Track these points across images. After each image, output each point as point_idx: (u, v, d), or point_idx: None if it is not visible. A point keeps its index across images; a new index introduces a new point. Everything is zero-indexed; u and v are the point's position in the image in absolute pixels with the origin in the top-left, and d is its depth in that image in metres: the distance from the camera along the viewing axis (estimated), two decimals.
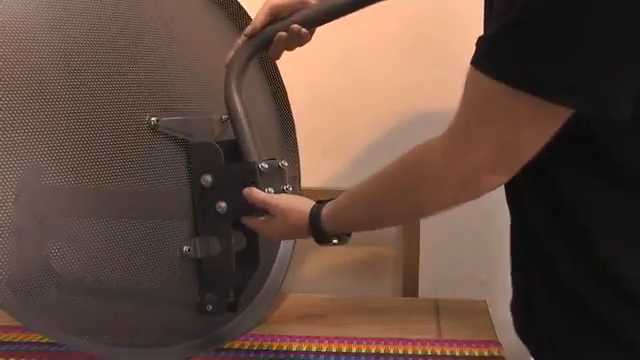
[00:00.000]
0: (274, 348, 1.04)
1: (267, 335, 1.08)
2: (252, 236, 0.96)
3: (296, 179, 1.20)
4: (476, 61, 0.63)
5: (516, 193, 0.77)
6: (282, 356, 1.02)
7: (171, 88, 0.96)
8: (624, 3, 0.55)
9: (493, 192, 0.70)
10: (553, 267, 0.73)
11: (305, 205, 0.87)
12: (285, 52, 0.95)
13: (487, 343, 1.04)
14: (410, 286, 1.36)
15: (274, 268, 1.17)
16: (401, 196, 0.75)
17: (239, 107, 0.94)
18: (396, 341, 1.05)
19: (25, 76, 0.78)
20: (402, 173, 0.75)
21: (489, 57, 0.62)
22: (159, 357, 0.96)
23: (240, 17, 1.11)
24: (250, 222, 0.92)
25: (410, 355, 1.01)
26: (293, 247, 1.19)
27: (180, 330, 0.99)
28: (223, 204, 0.93)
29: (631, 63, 0.58)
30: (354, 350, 1.03)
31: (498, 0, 0.63)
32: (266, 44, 0.94)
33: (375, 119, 1.38)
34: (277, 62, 1.06)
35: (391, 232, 1.38)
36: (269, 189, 0.91)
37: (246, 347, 1.04)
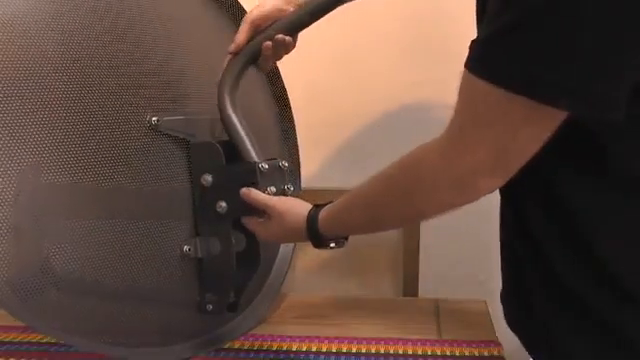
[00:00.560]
0: (274, 348, 1.04)
1: (267, 335, 1.08)
2: (252, 236, 0.96)
3: (296, 179, 1.20)
4: (470, 65, 0.63)
5: (513, 193, 0.76)
6: (282, 356, 1.02)
7: (172, 88, 0.96)
8: (622, 4, 0.55)
9: (494, 192, 0.70)
10: (552, 267, 0.73)
11: (302, 208, 0.87)
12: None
13: (487, 343, 1.04)
14: (410, 286, 1.36)
15: (274, 268, 1.17)
16: (399, 198, 0.75)
17: (237, 124, 0.94)
18: (396, 341, 1.05)
19: (26, 76, 0.78)
20: (400, 175, 0.75)
21: (483, 60, 0.62)
22: (159, 357, 0.96)
23: (241, 17, 1.10)
24: (248, 223, 0.92)
25: (410, 355, 1.01)
26: (293, 247, 1.19)
27: (180, 330, 0.99)
28: (223, 204, 0.93)
29: (630, 63, 0.58)
30: (354, 350, 1.03)
31: (491, 2, 0.62)
32: (254, 57, 0.95)
33: (375, 119, 1.38)
34: (277, 62, 1.06)
35: (391, 232, 1.38)
36: (271, 188, 0.91)
37: (246, 347, 1.04)
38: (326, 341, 1.06)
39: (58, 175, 0.80)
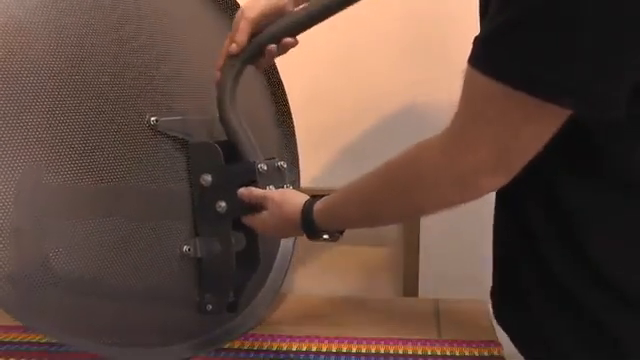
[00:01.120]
0: (274, 348, 1.04)
1: (267, 335, 1.08)
2: (252, 236, 0.96)
3: (295, 179, 1.20)
4: (473, 61, 0.63)
5: (511, 193, 0.76)
6: (282, 356, 1.02)
7: (170, 87, 0.96)
8: (622, 4, 0.55)
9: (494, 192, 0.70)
10: (549, 267, 0.73)
11: (300, 198, 0.87)
12: None
13: (487, 343, 1.03)
14: (410, 286, 1.36)
15: (274, 268, 1.17)
16: (397, 194, 0.74)
17: (237, 124, 0.94)
18: (396, 341, 1.05)
19: (23, 77, 0.78)
20: (399, 171, 0.74)
21: (486, 57, 0.61)
22: (159, 357, 0.96)
23: None
24: (247, 219, 0.92)
25: (410, 355, 1.01)
26: (293, 246, 1.19)
27: (180, 330, 0.99)
28: (223, 204, 0.93)
29: (630, 63, 0.58)
30: (354, 350, 1.03)
31: None
32: (254, 57, 0.94)
33: (374, 119, 1.38)
34: (276, 61, 1.06)
35: (391, 232, 1.38)
36: (270, 187, 0.91)
37: (246, 347, 1.04)
38: (326, 341, 1.06)
39: (57, 175, 0.80)
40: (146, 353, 0.94)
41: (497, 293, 0.86)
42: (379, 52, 1.34)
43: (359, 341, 1.05)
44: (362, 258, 1.42)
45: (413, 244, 1.36)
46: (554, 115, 0.61)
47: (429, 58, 1.32)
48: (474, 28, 0.70)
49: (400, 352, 1.02)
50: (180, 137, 0.96)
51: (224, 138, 0.97)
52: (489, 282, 0.88)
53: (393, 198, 0.75)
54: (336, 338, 1.06)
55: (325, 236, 0.86)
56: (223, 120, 0.95)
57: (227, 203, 0.93)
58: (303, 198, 0.86)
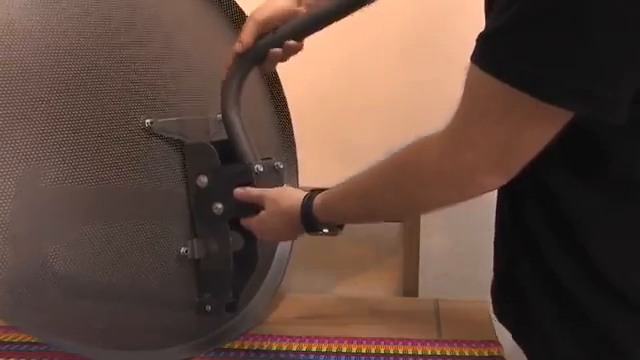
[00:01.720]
0: (274, 348, 1.04)
1: (267, 335, 1.08)
2: (250, 235, 0.96)
3: (294, 180, 1.19)
4: (476, 58, 0.62)
5: (512, 192, 0.76)
6: (282, 356, 1.02)
7: (165, 89, 0.96)
8: (626, 6, 0.55)
9: (494, 192, 0.70)
10: (549, 268, 0.73)
11: (298, 194, 0.86)
12: None
13: (487, 343, 1.03)
14: (410, 286, 1.36)
15: (273, 268, 1.17)
16: (395, 191, 0.74)
17: (239, 126, 0.94)
18: (396, 341, 1.05)
19: (19, 79, 0.78)
20: (398, 168, 0.74)
21: (489, 54, 0.61)
22: (158, 358, 0.96)
23: (236, 15, 1.10)
24: (244, 221, 0.92)
25: (410, 355, 1.01)
26: (291, 246, 1.19)
27: (179, 331, 0.99)
28: (219, 205, 0.93)
29: (634, 65, 0.57)
30: (354, 350, 1.03)
31: None
32: (260, 59, 0.93)
33: (375, 119, 1.37)
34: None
35: (391, 232, 1.38)
36: None
37: (246, 347, 1.04)
38: (326, 341, 1.06)
39: (54, 177, 0.80)
40: (145, 354, 0.94)
41: (497, 292, 0.86)
42: (379, 52, 1.34)
43: (359, 341, 1.05)
44: (362, 258, 1.41)
45: (413, 244, 1.35)
46: (556, 116, 0.61)
47: (429, 58, 1.32)
48: (475, 28, 0.70)
49: (400, 352, 1.02)
50: (176, 138, 0.95)
51: (219, 139, 0.96)
52: (489, 282, 0.88)
53: (392, 194, 0.75)
54: (336, 338, 1.06)
55: (325, 230, 0.85)
56: (225, 120, 0.94)
57: (223, 204, 0.93)
58: (302, 193, 0.86)
